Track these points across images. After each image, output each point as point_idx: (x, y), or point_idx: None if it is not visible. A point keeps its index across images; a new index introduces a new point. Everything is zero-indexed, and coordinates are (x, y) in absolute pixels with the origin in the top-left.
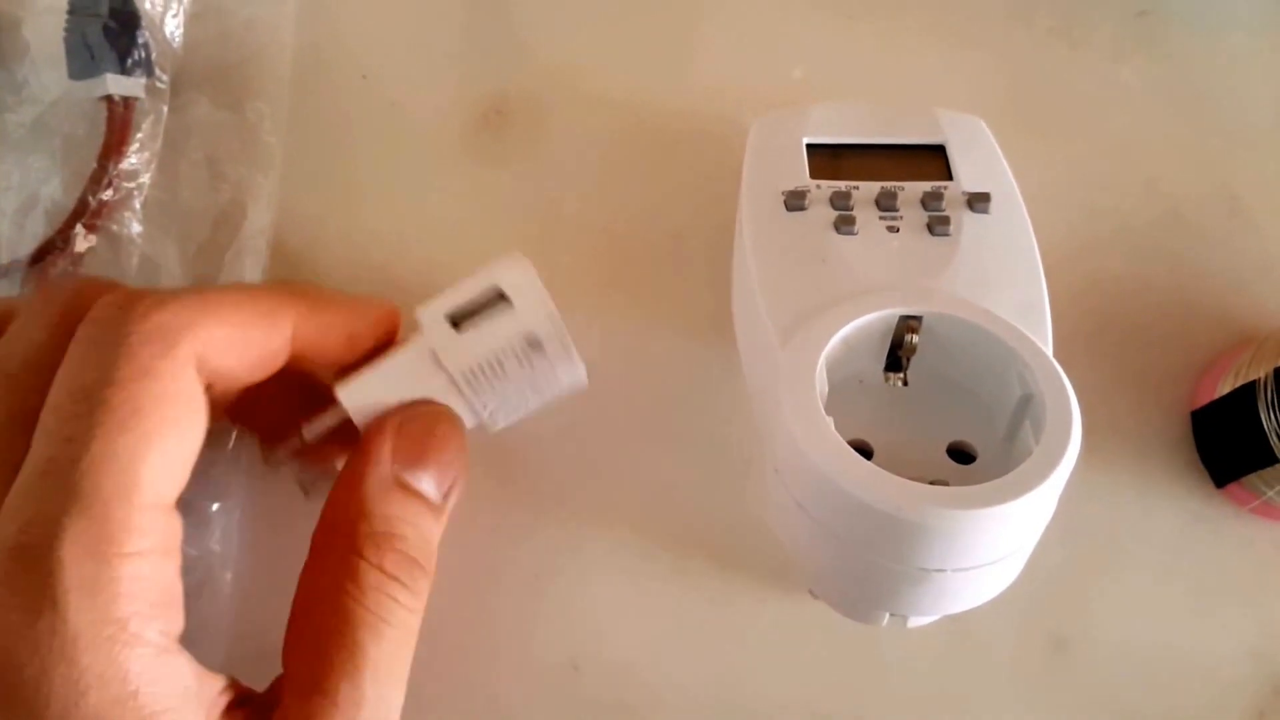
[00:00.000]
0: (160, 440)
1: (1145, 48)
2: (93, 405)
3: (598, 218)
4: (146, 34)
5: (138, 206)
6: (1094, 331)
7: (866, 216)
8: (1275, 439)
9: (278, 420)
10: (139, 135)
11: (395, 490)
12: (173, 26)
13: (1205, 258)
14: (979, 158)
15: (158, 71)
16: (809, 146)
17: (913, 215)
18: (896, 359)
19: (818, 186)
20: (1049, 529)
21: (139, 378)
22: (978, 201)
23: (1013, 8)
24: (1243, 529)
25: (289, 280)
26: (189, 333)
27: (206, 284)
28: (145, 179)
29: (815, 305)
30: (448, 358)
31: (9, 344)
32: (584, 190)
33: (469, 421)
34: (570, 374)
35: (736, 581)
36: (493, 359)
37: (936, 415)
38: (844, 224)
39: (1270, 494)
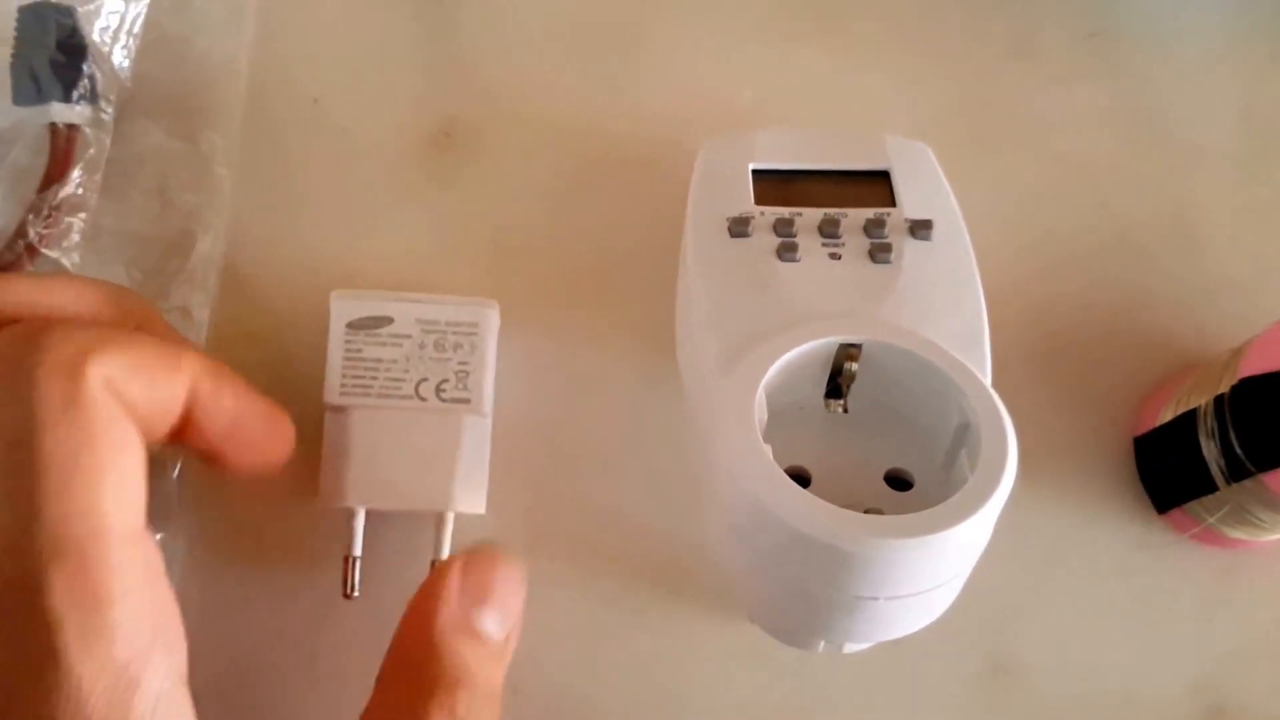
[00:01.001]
0: (106, 472)
1: (1096, 69)
2: (30, 454)
3: (547, 240)
4: (93, 65)
5: (76, 238)
6: (1040, 354)
7: (809, 243)
8: (1215, 467)
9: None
10: (81, 165)
11: (464, 633)
12: (121, 57)
13: (1153, 281)
14: (923, 184)
15: (101, 102)
16: (755, 172)
17: (855, 242)
18: (837, 386)
19: (762, 213)
20: (988, 552)
21: (63, 411)
22: (920, 228)
23: (965, 29)
24: (1184, 555)
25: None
26: (92, 358)
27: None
28: (86, 209)
29: (757, 333)
30: (334, 398)
31: None
32: (533, 213)
33: (439, 422)
34: (415, 309)
35: (676, 606)
36: (351, 361)
37: (876, 442)
38: (786, 251)
39: (1211, 521)
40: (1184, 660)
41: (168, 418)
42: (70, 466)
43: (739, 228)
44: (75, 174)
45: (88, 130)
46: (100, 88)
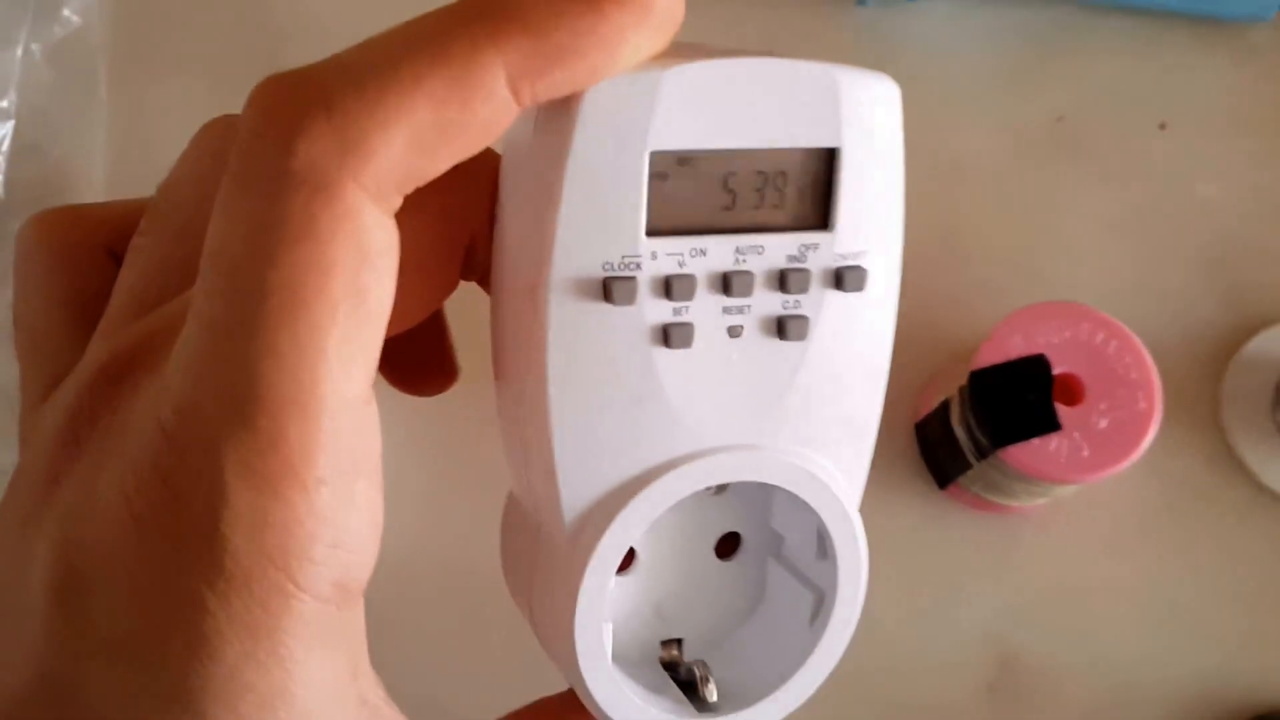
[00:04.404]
0: (335, 325)
1: None
2: (241, 286)
3: None
4: None
5: None
6: None
7: (705, 311)
8: (965, 447)
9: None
10: None
11: None
12: None
13: (927, 283)
14: (875, 174)
15: None
16: (655, 158)
17: (763, 304)
18: None
19: (653, 255)
20: None
21: (295, 244)
22: (849, 276)
23: None
24: (967, 525)
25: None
26: (353, 161)
27: (371, 48)
28: None
29: (613, 476)
30: None
31: (163, 192)
32: None
33: None
34: None
35: None
36: None
37: (721, 504)
38: (676, 334)
39: (975, 489)
40: (973, 617)
41: (490, 133)
42: (287, 315)
43: (620, 286)
44: None
45: None
46: None
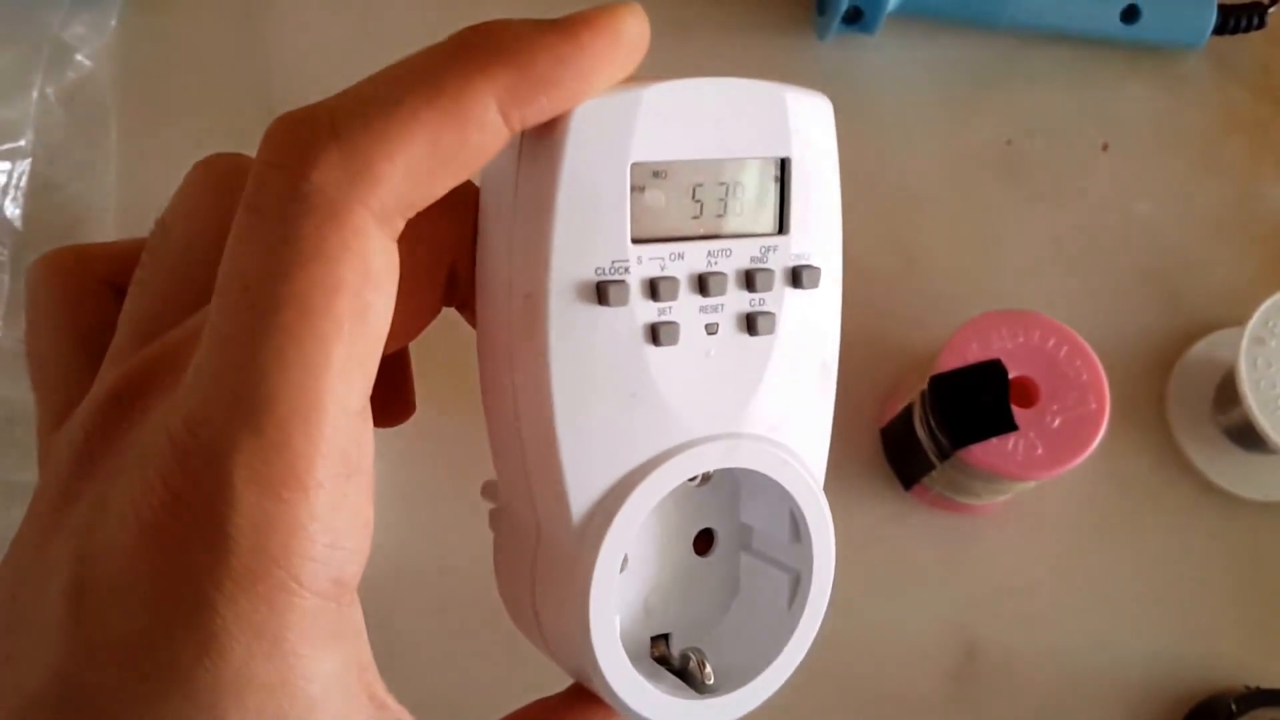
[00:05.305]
0: (340, 340)
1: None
2: (254, 303)
3: None
4: None
5: None
6: None
7: (686, 310)
8: (927, 449)
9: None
10: None
11: None
12: (12, 208)
13: (888, 298)
14: (817, 182)
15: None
16: (635, 170)
17: (734, 303)
18: None
19: (639, 260)
20: None
21: (306, 263)
22: (804, 275)
23: None
24: (931, 523)
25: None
26: (360, 187)
27: (373, 85)
28: None
29: (612, 472)
30: None
31: (159, 228)
32: None
33: None
34: None
35: None
36: None
37: (703, 499)
38: (664, 332)
39: (937, 489)
40: (938, 609)
41: (480, 158)
42: (294, 330)
43: (613, 289)
44: None
45: None
46: None
